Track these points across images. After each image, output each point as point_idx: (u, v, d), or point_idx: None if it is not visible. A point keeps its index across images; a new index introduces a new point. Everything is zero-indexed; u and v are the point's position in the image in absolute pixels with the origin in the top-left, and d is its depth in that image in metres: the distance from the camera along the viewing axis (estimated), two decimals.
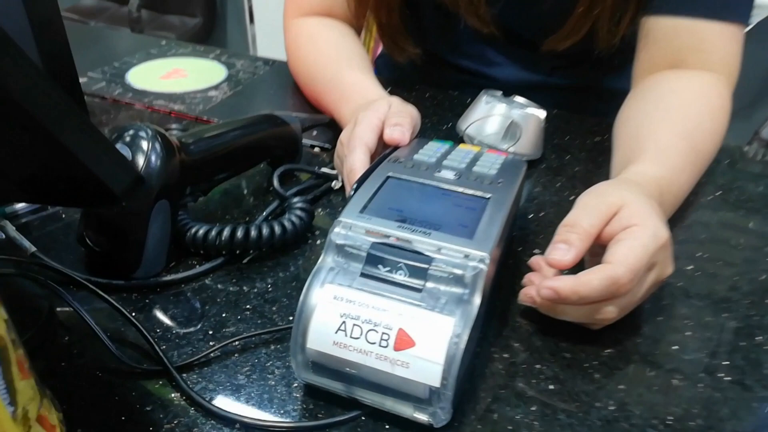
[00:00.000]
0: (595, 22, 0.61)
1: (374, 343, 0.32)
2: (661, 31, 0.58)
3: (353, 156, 0.46)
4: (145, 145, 0.43)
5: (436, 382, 0.31)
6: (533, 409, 0.35)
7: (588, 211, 0.40)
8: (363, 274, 0.34)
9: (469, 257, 0.34)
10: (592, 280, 0.36)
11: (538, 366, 0.38)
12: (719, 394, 0.37)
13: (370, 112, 0.49)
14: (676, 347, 0.40)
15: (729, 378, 0.38)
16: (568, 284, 0.36)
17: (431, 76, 0.76)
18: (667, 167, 0.48)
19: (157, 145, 0.43)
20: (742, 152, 0.64)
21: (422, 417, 0.33)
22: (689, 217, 0.53)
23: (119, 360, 0.37)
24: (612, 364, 0.39)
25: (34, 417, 0.27)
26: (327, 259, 0.35)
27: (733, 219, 0.53)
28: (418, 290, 0.33)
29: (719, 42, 0.57)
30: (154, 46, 0.84)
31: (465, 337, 0.32)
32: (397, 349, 0.32)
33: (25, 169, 0.28)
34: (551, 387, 0.37)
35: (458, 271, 0.33)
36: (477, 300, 0.33)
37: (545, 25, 0.64)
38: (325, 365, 0.34)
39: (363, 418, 0.35)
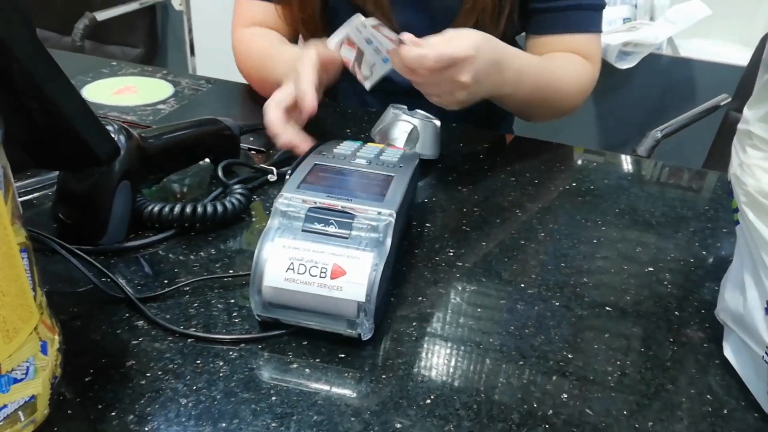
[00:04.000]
0: (478, 18, 0.78)
1: (315, 276, 0.43)
2: (542, 47, 0.82)
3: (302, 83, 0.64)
4: (112, 135, 0.53)
5: (362, 298, 0.43)
6: (427, 328, 0.48)
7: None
8: (303, 230, 0.45)
9: (381, 213, 0.46)
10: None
11: (422, 299, 0.51)
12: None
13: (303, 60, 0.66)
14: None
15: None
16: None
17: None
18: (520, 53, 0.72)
19: (122, 137, 0.53)
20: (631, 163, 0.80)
21: (352, 331, 0.44)
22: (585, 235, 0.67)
23: (94, 294, 0.47)
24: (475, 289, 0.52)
25: (45, 310, 0.37)
26: (274, 222, 0.46)
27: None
28: (346, 237, 0.45)
29: (585, 46, 0.82)
30: (104, 66, 0.93)
31: (381, 266, 0.44)
32: (332, 278, 0.43)
33: (32, 134, 0.39)
34: (435, 301, 0.49)
35: (374, 223, 0.45)
36: (388, 241, 0.45)
37: (437, 24, 0.76)
38: (276, 302, 0.44)
39: (286, 336, 0.46)
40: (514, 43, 0.87)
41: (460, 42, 0.61)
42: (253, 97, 0.90)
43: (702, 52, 1.73)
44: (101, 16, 1.86)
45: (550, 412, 0.41)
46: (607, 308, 0.52)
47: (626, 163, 0.80)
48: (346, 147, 0.59)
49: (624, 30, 1.67)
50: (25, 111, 0.38)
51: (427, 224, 0.61)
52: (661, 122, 1.26)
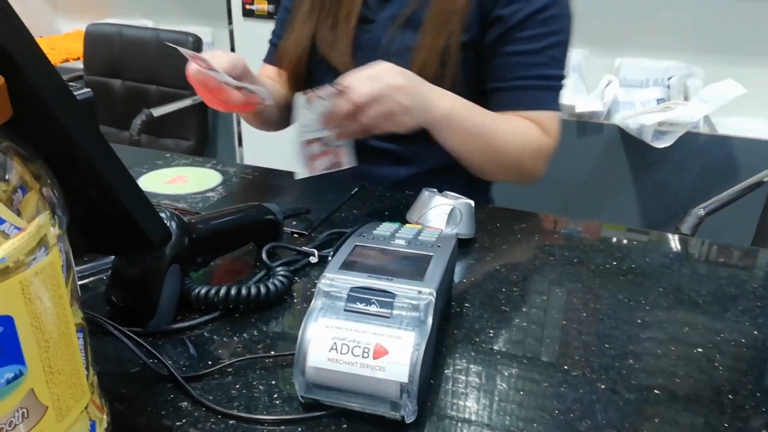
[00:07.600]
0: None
1: (358, 356, 0.44)
2: None
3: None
4: (164, 222, 0.56)
5: (404, 378, 0.43)
6: (474, 406, 0.47)
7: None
8: (346, 310, 0.46)
9: (422, 292, 0.46)
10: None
11: (463, 380, 0.50)
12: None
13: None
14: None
15: None
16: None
17: None
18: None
19: (173, 223, 0.57)
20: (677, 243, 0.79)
21: (395, 414, 0.44)
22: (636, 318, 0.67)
23: (142, 374, 0.48)
24: (528, 370, 0.51)
25: (95, 390, 0.38)
26: (317, 302, 0.48)
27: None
28: (387, 317, 0.45)
29: (541, 122, 0.86)
30: (159, 158, 1.00)
31: (423, 346, 0.44)
32: (375, 357, 0.44)
33: (91, 220, 0.42)
34: (476, 383, 0.49)
35: (414, 302, 0.46)
36: (429, 320, 0.45)
37: None
38: (320, 383, 0.45)
39: (326, 418, 0.46)
40: None
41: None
42: (296, 183, 0.94)
43: (740, 129, 1.72)
44: (157, 112, 2.00)
45: None
46: (656, 391, 0.50)
47: (668, 241, 0.79)
48: (384, 228, 0.60)
49: (658, 110, 1.69)
50: (85, 198, 0.41)
51: (466, 304, 0.61)
52: (704, 200, 1.24)
